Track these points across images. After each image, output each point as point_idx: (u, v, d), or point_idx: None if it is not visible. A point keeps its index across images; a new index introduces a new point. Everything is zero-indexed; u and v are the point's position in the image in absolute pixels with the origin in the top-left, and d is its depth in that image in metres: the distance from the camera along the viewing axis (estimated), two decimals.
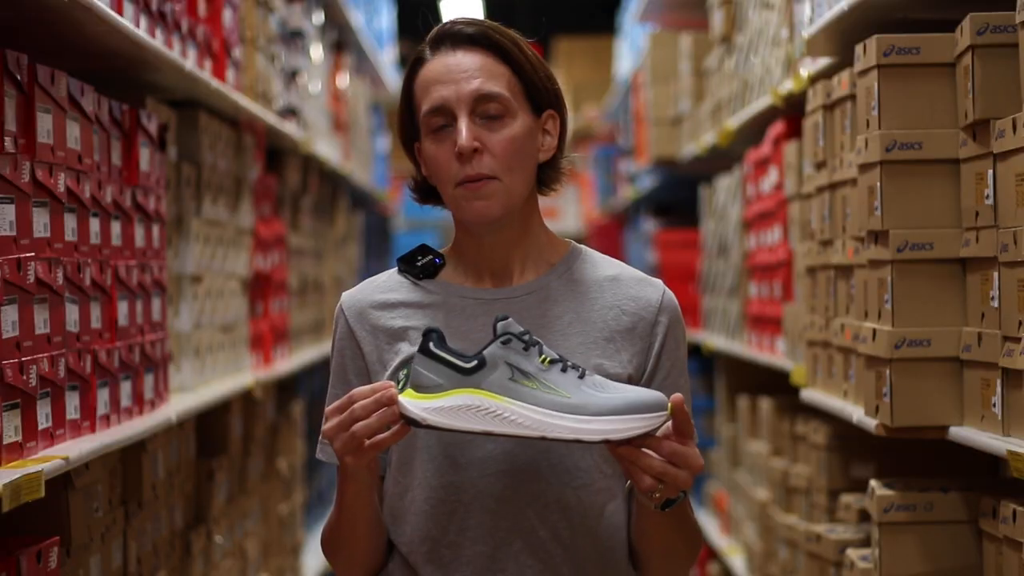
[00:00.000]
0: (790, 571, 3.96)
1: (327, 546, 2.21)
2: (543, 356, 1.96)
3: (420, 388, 1.96)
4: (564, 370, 1.96)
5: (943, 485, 2.77)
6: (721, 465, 5.69)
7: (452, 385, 1.95)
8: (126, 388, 2.91)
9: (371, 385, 1.99)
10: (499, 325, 1.97)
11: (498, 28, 2.16)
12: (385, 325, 2.19)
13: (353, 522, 2.13)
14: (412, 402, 1.96)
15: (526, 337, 1.97)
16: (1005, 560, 2.48)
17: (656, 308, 2.20)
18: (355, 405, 1.97)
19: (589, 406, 1.93)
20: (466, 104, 2.11)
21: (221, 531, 3.85)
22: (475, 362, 1.95)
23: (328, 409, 2.01)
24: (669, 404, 1.94)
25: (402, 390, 1.99)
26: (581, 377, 1.96)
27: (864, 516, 3.27)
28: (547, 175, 2.22)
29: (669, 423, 1.96)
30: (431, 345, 1.97)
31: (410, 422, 1.96)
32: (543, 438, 1.94)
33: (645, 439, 1.95)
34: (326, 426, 2.00)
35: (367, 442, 1.98)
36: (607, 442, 1.94)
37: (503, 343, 1.96)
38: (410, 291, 2.22)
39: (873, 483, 2.83)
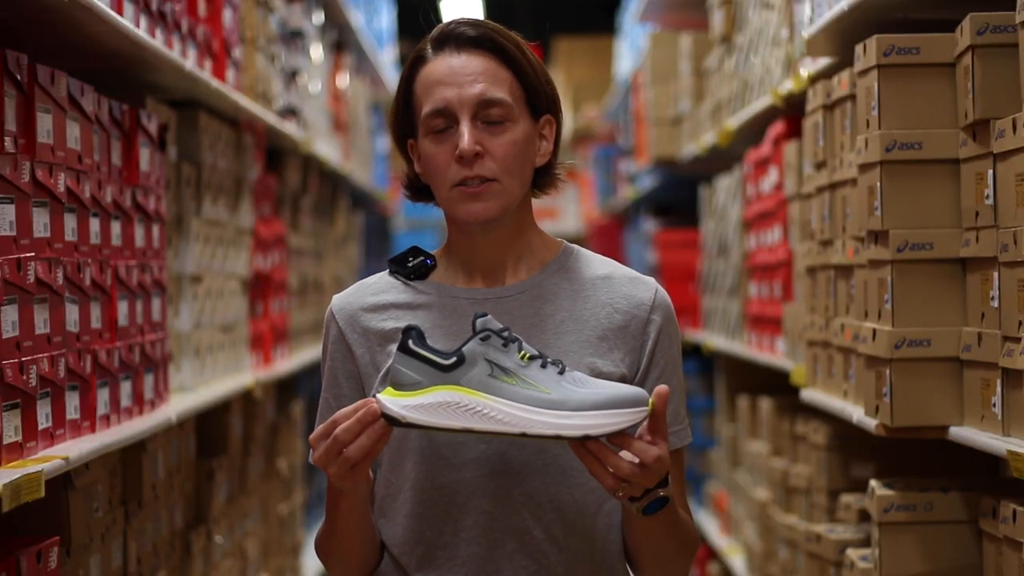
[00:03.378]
0: (790, 571, 3.96)
1: (321, 552, 2.21)
2: (522, 352, 1.95)
3: (400, 386, 1.95)
4: (544, 366, 1.95)
5: (943, 485, 2.77)
6: (721, 465, 5.69)
7: (431, 382, 1.94)
8: (126, 388, 2.91)
9: (352, 405, 1.97)
10: (478, 322, 1.96)
11: (502, 31, 2.15)
12: (376, 327, 2.19)
13: (349, 533, 2.13)
14: (392, 400, 1.95)
15: (505, 333, 1.96)
16: (1005, 560, 2.48)
17: (649, 306, 2.19)
18: (338, 430, 1.95)
19: (569, 401, 1.92)
20: (469, 108, 2.10)
21: (221, 531, 3.85)
22: (454, 359, 1.94)
23: (312, 437, 1.98)
24: (650, 400, 1.93)
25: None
26: (561, 373, 1.95)
27: (864, 516, 3.27)
28: (541, 179, 2.21)
29: (645, 422, 1.95)
30: (410, 343, 1.96)
31: (391, 420, 1.94)
32: (523, 434, 1.93)
33: (619, 436, 1.93)
34: (314, 456, 1.98)
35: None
36: (587, 438, 1.92)
37: (482, 339, 1.95)
38: (401, 292, 2.21)
39: (873, 483, 2.83)
